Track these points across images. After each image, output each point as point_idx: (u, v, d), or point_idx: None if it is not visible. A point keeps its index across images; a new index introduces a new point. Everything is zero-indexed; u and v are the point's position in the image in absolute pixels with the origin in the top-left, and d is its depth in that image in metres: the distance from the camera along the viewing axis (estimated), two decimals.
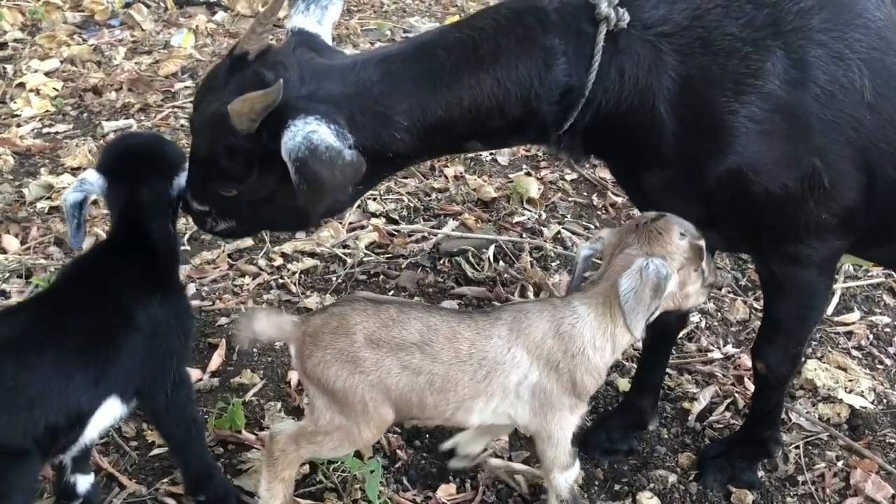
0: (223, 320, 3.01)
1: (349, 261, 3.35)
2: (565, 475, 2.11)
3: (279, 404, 2.64)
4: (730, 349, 3.05)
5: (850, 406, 2.78)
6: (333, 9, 2.10)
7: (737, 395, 2.83)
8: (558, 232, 3.65)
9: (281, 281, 3.24)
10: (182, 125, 4.44)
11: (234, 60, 1.95)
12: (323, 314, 2.03)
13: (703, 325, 3.16)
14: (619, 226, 2.28)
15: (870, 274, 3.50)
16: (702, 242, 2.01)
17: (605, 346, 2.00)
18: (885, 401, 2.85)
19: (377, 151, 1.93)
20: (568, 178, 4.09)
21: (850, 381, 2.88)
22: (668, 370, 2.72)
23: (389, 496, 2.31)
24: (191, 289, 3.15)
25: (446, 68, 1.96)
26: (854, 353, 3.08)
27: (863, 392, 2.85)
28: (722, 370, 2.94)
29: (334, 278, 3.26)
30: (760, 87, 1.88)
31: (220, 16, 5.97)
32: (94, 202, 3.66)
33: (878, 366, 3.03)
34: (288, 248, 3.41)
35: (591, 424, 2.61)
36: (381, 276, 3.28)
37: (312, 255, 3.40)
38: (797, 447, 2.62)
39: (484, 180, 3.99)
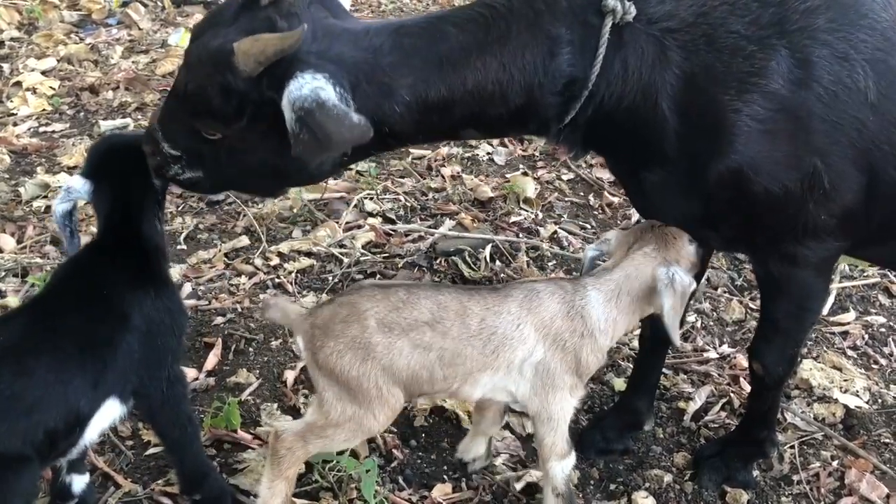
0: (219, 320, 3.01)
1: (346, 260, 3.35)
2: (562, 464, 2.13)
3: (275, 404, 2.64)
4: (725, 349, 3.05)
5: (846, 406, 2.79)
6: None
7: (732, 394, 2.83)
8: (555, 232, 3.66)
9: (277, 280, 3.24)
10: None
11: (245, 1, 1.89)
12: (331, 305, 2.05)
13: (698, 324, 3.16)
14: (626, 227, 2.34)
15: (865, 274, 3.51)
16: (700, 250, 2.15)
17: (608, 331, 2.09)
18: (880, 401, 2.86)
19: (375, 124, 1.88)
20: (564, 178, 4.10)
21: (845, 380, 2.89)
22: (663, 370, 2.72)
23: (385, 496, 2.31)
24: (187, 288, 3.15)
25: (454, 47, 1.93)
26: (849, 353, 3.09)
27: (858, 392, 2.85)
28: (717, 370, 2.95)
29: (331, 278, 3.27)
30: (764, 87, 1.87)
31: None
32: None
33: (874, 366, 3.04)
34: (284, 247, 3.41)
35: (587, 424, 2.61)
36: (378, 276, 3.28)
37: (309, 254, 3.40)
38: (792, 447, 2.62)
39: (480, 180, 4.00)
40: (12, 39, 5.40)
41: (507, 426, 2.63)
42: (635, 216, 3.80)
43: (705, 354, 3.02)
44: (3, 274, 3.15)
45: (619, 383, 2.81)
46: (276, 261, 3.35)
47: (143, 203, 2.06)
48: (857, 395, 2.84)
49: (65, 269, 2.11)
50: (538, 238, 3.61)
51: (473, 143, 4.23)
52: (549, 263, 3.45)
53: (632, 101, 1.95)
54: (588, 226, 3.76)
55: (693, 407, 2.75)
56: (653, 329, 2.38)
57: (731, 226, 2.09)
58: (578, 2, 1.93)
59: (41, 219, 3.55)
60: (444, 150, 4.18)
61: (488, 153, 4.26)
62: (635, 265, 2.09)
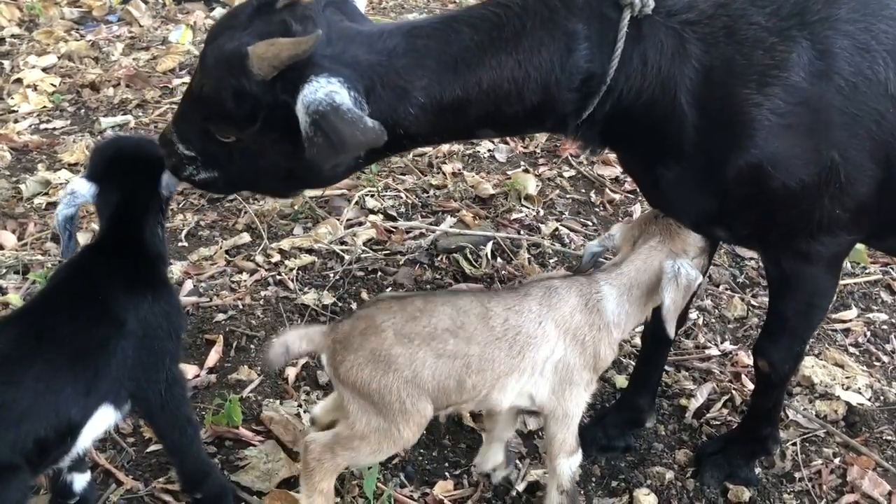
0: (220, 317, 3.01)
1: (347, 257, 3.35)
2: (570, 461, 2.13)
3: (276, 401, 2.64)
4: (727, 346, 3.05)
5: (847, 403, 2.78)
6: None
7: (734, 391, 2.83)
8: (556, 229, 3.65)
9: (278, 277, 3.24)
10: None
11: (260, 4, 1.88)
12: (350, 319, 2.04)
13: (700, 321, 3.16)
14: (631, 220, 2.37)
15: (867, 271, 3.50)
16: (706, 241, 2.16)
17: (621, 324, 2.12)
18: (882, 398, 2.85)
19: (389, 126, 1.86)
20: (566, 175, 4.09)
21: (847, 377, 2.89)
22: (665, 367, 2.72)
23: (390, 493, 2.30)
24: (188, 285, 3.15)
25: (469, 47, 1.91)
26: (851, 349, 3.08)
27: (860, 389, 2.85)
28: (719, 367, 2.94)
29: (332, 275, 3.26)
30: (785, 79, 1.84)
31: (218, 11, 5.95)
32: None
33: (876, 363, 3.03)
34: (286, 244, 3.41)
35: (589, 421, 2.61)
36: (379, 273, 3.28)
37: (310, 251, 3.40)
38: (794, 444, 2.62)
39: (482, 177, 3.99)
40: (13, 36, 5.40)
41: None
42: (637, 212, 3.80)
43: (707, 351, 3.02)
44: (4, 271, 3.15)
45: (621, 380, 2.81)
46: (277, 258, 3.34)
47: (146, 208, 2.05)
48: (860, 393, 2.84)
49: (62, 273, 2.08)
50: (539, 235, 3.60)
51: (476, 139, 4.22)
52: (551, 260, 3.44)
53: (650, 95, 1.92)
54: (589, 223, 3.76)
55: (695, 404, 2.75)
56: (655, 327, 2.37)
57: (745, 222, 2.06)
58: None
59: (42, 216, 3.55)
60: (445, 147, 4.18)
61: (489, 150, 4.25)
62: (643, 258, 2.11)
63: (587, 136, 2.06)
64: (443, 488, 2.38)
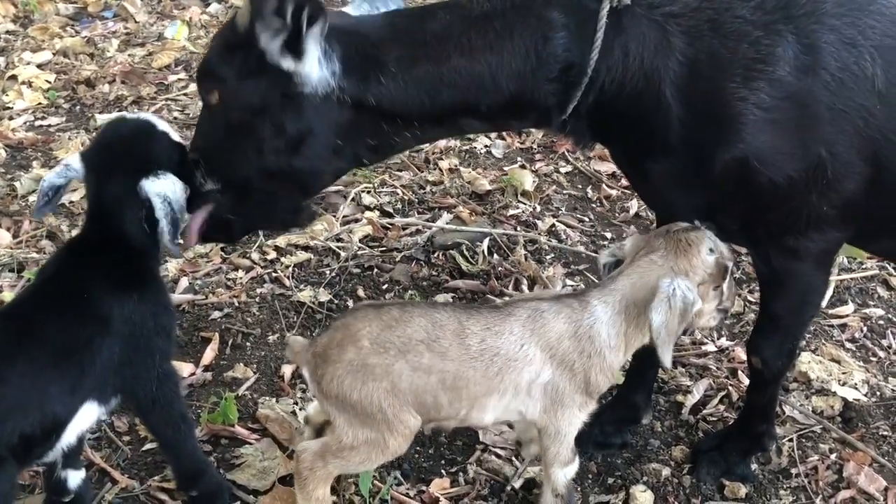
0: (216, 314, 3.00)
1: (343, 254, 3.34)
2: (565, 471, 2.11)
3: (272, 399, 2.63)
4: (724, 342, 3.04)
5: (844, 399, 2.78)
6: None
7: (731, 388, 2.82)
8: (553, 225, 3.65)
9: (274, 275, 3.23)
10: (175, 118, 4.42)
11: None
12: (328, 331, 2.01)
13: None
14: (645, 231, 2.27)
15: (864, 266, 3.50)
16: (729, 263, 1.99)
17: (619, 346, 2.00)
18: (878, 393, 2.85)
19: (360, 93, 1.90)
20: (563, 170, 4.08)
21: (843, 373, 2.89)
22: None
23: (387, 492, 2.30)
24: (183, 283, 3.14)
25: (441, 24, 1.93)
26: (848, 345, 3.08)
27: (856, 385, 2.85)
28: (716, 363, 2.94)
29: (328, 272, 3.26)
30: (770, 74, 1.84)
31: (214, 7, 5.93)
32: None
33: (872, 358, 3.03)
34: (281, 241, 3.40)
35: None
36: (375, 270, 3.27)
37: (306, 248, 3.39)
38: (790, 440, 2.62)
39: (478, 173, 3.98)
40: (7, 32, 5.38)
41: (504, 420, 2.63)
42: (633, 209, 3.80)
43: (703, 347, 3.01)
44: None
45: (618, 377, 2.80)
46: (273, 255, 3.34)
47: (127, 200, 1.96)
48: (856, 388, 2.83)
49: (47, 270, 2.06)
50: (536, 231, 3.60)
51: (471, 136, 4.21)
52: (548, 256, 3.44)
53: (634, 87, 1.91)
54: (586, 219, 3.75)
55: (691, 400, 2.75)
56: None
57: (732, 218, 2.06)
58: None
59: None
60: (441, 143, 4.17)
61: (486, 146, 4.24)
62: (639, 273, 1.97)
63: (576, 131, 2.05)
64: (439, 486, 2.38)
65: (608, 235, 3.64)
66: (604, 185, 3.95)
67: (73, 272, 1.99)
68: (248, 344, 2.89)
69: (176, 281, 3.14)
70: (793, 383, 2.87)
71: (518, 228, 3.62)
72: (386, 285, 3.19)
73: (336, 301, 3.09)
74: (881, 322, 3.21)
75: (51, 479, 2.15)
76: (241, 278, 3.20)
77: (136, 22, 5.66)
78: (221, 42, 1.97)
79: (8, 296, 2.96)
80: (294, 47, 1.85)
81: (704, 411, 2.73)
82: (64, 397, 1.85)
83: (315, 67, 1.88)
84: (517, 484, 2.39)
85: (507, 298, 2.97)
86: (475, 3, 1.94)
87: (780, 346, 2.22)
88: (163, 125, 2.07)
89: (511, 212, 3.72)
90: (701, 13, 1.89)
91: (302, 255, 3.33)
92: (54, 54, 5.07)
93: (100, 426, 2.48)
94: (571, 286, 3.24)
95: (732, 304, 2.06)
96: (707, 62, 1.87)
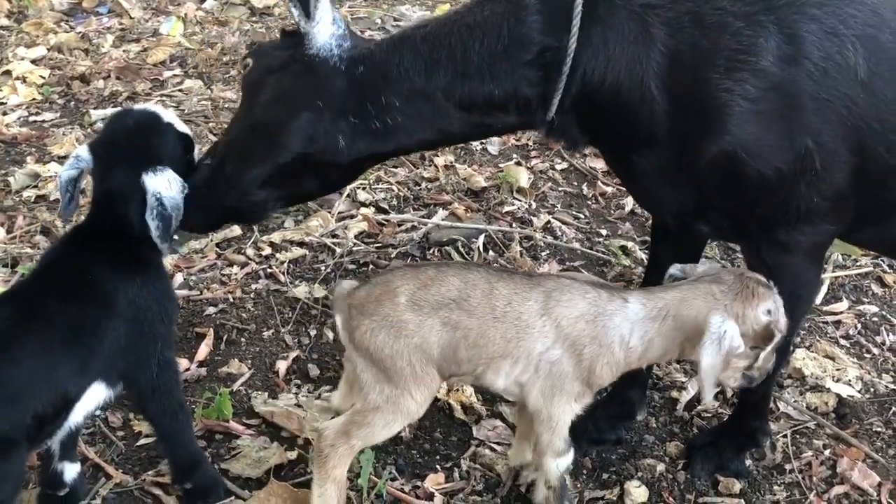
0: (211, 310, 3.00)
1: (338, 250, 3.34)
2: (558, 461, 2.11)
3: (266, 394, 2.63)
4: None
5: (838, 395, 2.79)
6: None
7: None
8: (548, 221, 3.65)
9: (269, 270, 3.22)
10: None
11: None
12: (367, 285, 2.06)
13: None
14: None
15: (858, 263, 3.51)
16: (779, 335, 1.93)
17: (636, 348, 1.98)
18: (872, 390, 2.86)
19: (353, 65, 1.98)
20: (558, 167, 4.08)
21: (837, 370, 2.89)
22: None
23: (382, 486, 2.29)
24: (178, 278, 3.13)
25: (426, 22, 2.06)
26: (842, 342, 3.09)
27: (850, 381, 2.86)
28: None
29: (323, 268, 3.25)
30: (754, 64, 1.84)
31: (209, 3, 5.92)
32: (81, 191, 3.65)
33: (866, 355, 3.04)
34: (276, 237, 3.39)
35: (580, 413, 2.60)
36: (371, 266, 3.27)
37: (301, 244, 3.39)
38: (785, 436, 2.62)
39: (474, 170, 3.98)
40: (1, 28, 5.36)
41: (498, 415, 2.63)
42: (629, 206, 3.81)
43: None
44: None
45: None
46: (267, 251, 3.33)
47: (129, 192, 1.98)
48: (850, 385, 2.84)
49: (52, 252, 2.10)
50: (531, 228, 3.60)
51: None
52: (543, 253, 3.44)
53: (616, 79, 1.92)
54: (581, 215, 3.75)
55: (686, 396, 2.75)
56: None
57: (722, 213, 2.05)
58: None
59: (31, 209, 3.52)
60: None
61: (481, 143, 4.24)
62: (695, 295, 1.93)
63: (564, 128, 2.05)
64: (434, 481, 2.38)
65: (603, 232, 3.64)
66: (599, 182, 3.95)
67: (77, 256, 2.02)
68: (242, 339, 2.89)
69: (171, 276, 3.13)
70: (787, 380, 2.87)
71: (513, 225, 3.62)
72: None
73: (331, 297, 3.08)
74: (875, 319, 3.22)
75: (47, 472, 2.15)
76: (235, 274, 3.20)
77: (130, 18, 5.64)
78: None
79: (1, 290, 2.94)
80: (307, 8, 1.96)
81: (699, 407, 2.73)
82: (74, 377, 1.88)
83: (324, 31, 1.97)
84: (511, 477, 2.39)
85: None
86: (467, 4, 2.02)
87: None
88: (168, 117, 2.09)
89: (506, 208, 3.72)
90: (681, 5, 1.89)
91: (297, 251, 3.33)
92: (48, 50, 5.05)
93: (94, 422, 2.47)
94: None
95: (761, 376, 1.99)
96: (689, 53, 1.87)
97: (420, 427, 2.56)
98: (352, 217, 3.57)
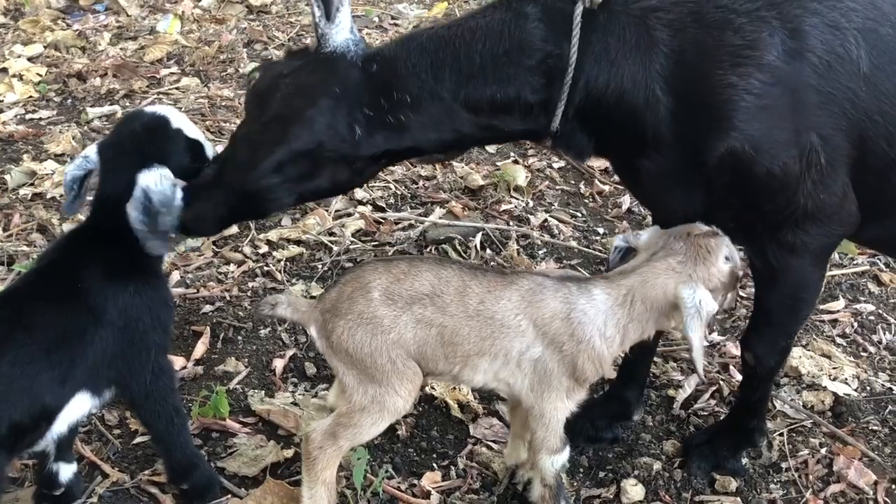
0: (207, 308, 3.00)
1: (335, 248, 3.34)
2: (553, 459, 2.11)
3: (263, 392, 2.63)
4: (715, 337, 3.05)
5: (834, 393, 2.79)
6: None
7: (722, 382, 2.83)
8: (545, 220, 3.65)
9: (266, 269, 3.22)
10: None
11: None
12: (336, 286, 2.05)
13: None
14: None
15: (855, 262, 3.51)
16: (740, 272, 1.99)
17: (614, 337, 2.00)
18: (868, 388, 2.86)
19: (367, 61, 2.00)
20: (555, 166, 4.08)
21: (834, 368, 2.89)
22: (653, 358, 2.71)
23: (378, 484, 2.29)
24: (175, 276, 3.13)
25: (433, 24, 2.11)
26: (839, 340, 3.09)
27: (847, 379, 2.86)
28: (707, 358, 2.94)
29: (320, 266, 3.25)
30: (758, 59, 1.84)
31: (207, 1, 5.91)
32: None
33: (863, 353, 3.04)
34: (273, 235, 3.39)
35: (576, 412, 2.60)
36: None
37: (298, 242, 3.38)
38: (781, 434, 2.62)
39: (471, 168, 3.98)
40: None
41: (495, 413, 2.63)
42: (626, 204, 3.81)
43: None
44: None
45: (608, 370, 2.80)
46: (264, 249, 3.33)
47: (127, 194, 1.94)
48: (846, 383, 2.84)
49: (48, 255, 2.07)
50: (529, 226, 3.60)
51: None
52: (540, 251, 3.44)
53: (619, 84, 1.92)
54: (579, 214, 3.75)
55: (682, 395, 2.75)
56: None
57: (730, 214, 2.04)
58: None
59: (28, 206, 3.52)
60: None
61: None
62: (655, 273, 1.96)
63: (569, 137, 2.04)
64: (431, 479, 2.38)
65: (600, 231, 3.64)
66: (596, 181, 3.95)
67: (70, 261, 1.99)
68: (239, 338, 2.88)
69: (167, 274, 3.12)
70: (784, 378, 2.87)
71: (511, 223, 3.62)
72: None
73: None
74: (872, 317, 3.22)
75: (42, 472, 2.14)
76: (232, 272, 3.19)
77: (128, 15, 5.64)
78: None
79: None
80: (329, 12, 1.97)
81: (695, 406, 2.74)
82: (54, 387, 1.84)
83: (341, 33, 1.98)
84: (507, 476, 2.39)
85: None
86: (457, 17, 2.08)
87: (773, 343, 2.22)
88: (178, 121, 2.05)
89: (504, 207, 3.72)
90: (681, 6, 1.90)
91: (294, 250, 3.32)
92: (45, 47, 5.04)
93: (90, 420, 2.47)
94: None
95: (729, 307, 2.07)
96: (693, 52, 1.88)
97: (417, 425, 2.56)
98: (349, 215, 3.57)
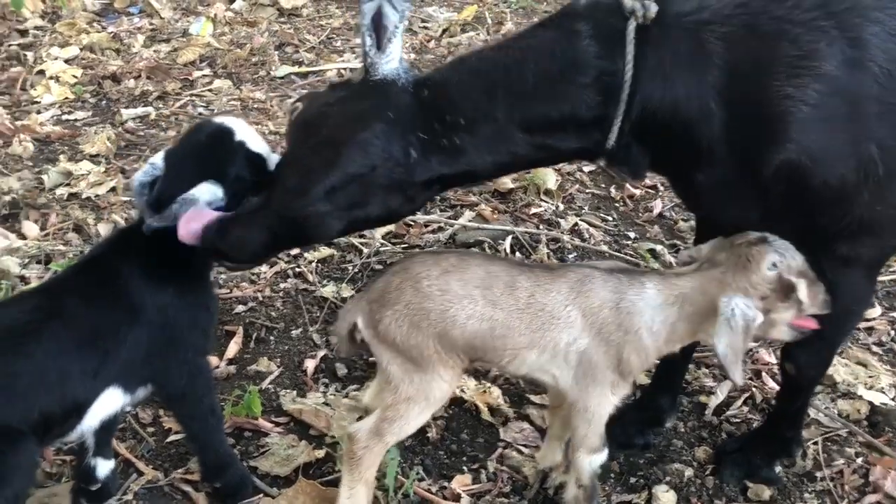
0: (240, 308, 3.02)
1: (365, 250, 3.35)
2: (591, 458, 2.10)
3: (295, 392, 2.65)
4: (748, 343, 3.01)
5: (870, 402, 2.75)
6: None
7: (754, 389, 2.80)
8: (575, 224, 3.64)
9: (298, 270, 3.24)
10: (200, 113, 4.45)
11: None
12: (383, 277, 2.05)
13: None
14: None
15: (891, 269, 3.46)
16: (795, 278, 1.93)
17: (661, 332, 2.00)
18: None
19: (416, 87, 2.00)
20: (585, 169, 4.07)
21: (870, 377, 2.85)
22: None
23: (410, 486, 2.30)
24: None
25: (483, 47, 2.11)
26: (875, 349, 3.05)
27: (883, 388, 2.81)
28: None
29: (350, 268, 3.27)
30: (816, 69, 1.81)
31: (239, 4, 5.97)
32: (113, 189, 3.69)
33: None
34: None
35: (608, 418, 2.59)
36: None
37: (329, 244, 3.40)
38: (816, 443, 2.59)
39: None
40: (36, 28, 5.45)
41: (525, 417, 2.62)
42: (657, 208, 3.78)
43: None
44: (27, 261, 3.17)
45: (641, 377, 2.79)
46: (296, 250, 3.35)
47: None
48: (883, 392, 2.80)
49: (94, 250, 2.11)
50: (559, 230, 3.59)
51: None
52: (570, 255, 3.43)
53: (674, 98, 1.90)
54: (609, 218, 3.74)
55: (715, 401, 2.73)
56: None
57: (785, 226, 1.99)
58: (599, 6, 1.95)
59: (64, 206, 3.57)
60: None
61: None
62: (702, 282, 1.98)
63: (625, 154, 2.02)
64: (461, 482, 2.38)
65: (631, 235, 3.62)
66: (627, 185, 3.93)
67: (114, 258, 2.02)
68: (271, 338, 2.91)
69: (208, 280, 3.15)
70: (819, 386, 2.84)
71: (540, 227, 3.61)
72: None
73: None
74: None
75: (80, 467, 2.17)
76: (265, 273, 3.22)
77: (161, 18, 5.71)
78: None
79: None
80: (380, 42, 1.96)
81: (728, 412, 2.71)
82: (86, 379, 1.87)
83: (392, 63, 1.97)
84: (538, 480, 2.38)
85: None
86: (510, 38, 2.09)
87: (817, 354, 2.19)
88: (243, 134, 2.04)
89: (534, 210, 3.71)
90: (735, 19, 1.87)
91: (325, 251, 3.34)
92: (81, 49, 5.13)
93: (125, 418, 2.50)
94: None
95: (822, 308, 1.98)
96: (747, 64, 1.85)
97: (447, 428, 2.56)
98: None
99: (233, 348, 2.82)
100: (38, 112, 4.43)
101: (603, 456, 2.11)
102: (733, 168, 1.93)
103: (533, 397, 2.69)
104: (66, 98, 4.60)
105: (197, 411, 2.09)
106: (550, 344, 2.00)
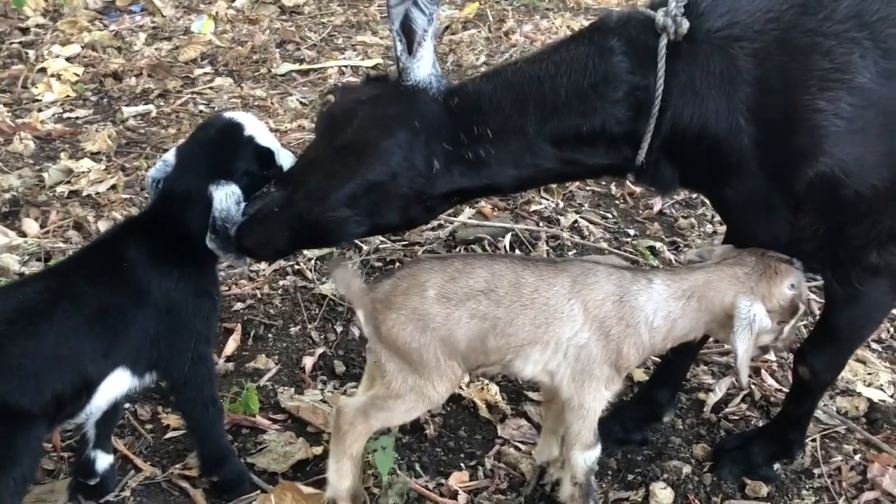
0: (239, 305, 3.03)
1: (365, 248, 3.35)
2: (585, 455, 2.11)
3: (293, 389, 2.65)
4: None
5: (869, 399, 2.75)
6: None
7: (753, 387, 2.80)
8: (575, 221, 3.63)
9: (297, 267, 3.25)
10: (201, 111, 4.46)
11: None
12: (391, 279, 2.06)
13: None
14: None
15: None
16: (802, 307, 1.99)
17: (660, 328, 2.01)
18: None
19: (448, 96, 2.02)
20: None
21: (869, 374, 2.85)
22: None
23: (404, 482, 2.30)
24: None
25: (516, 60, 2.12)
26: (874, 346, 3.04)
27: (882, 385, 2.81)
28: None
29: (350, 265, 3.26)
30: (849, 82, 1.79)
31: (240, 2, 5.98)
32: (113, 186, 3.70)
33: None
34: None
35: (606, 414, 2.59)
36: (397, 264, 3.28)
37: None
38: (814, 440, 2.59)
39: None
40: (38, 26, 5.46)
41: (523, 414, 2.62)
42: (657, 206, 3.78)
43: (726, 346, 2.98)
44: (27, 258, 3.18)
45: (639, 373, 2.79)
46: None
47: (194, 198, 2.01)
48: (881, 389, 2.80)
49: (103, 236, 2.15)
50: (558, 227, 3.58)
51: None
52: (570, 253, 3.42)
53: (703, 114, 1.90)
54: (609, 215, 3.73)
55: (713, 398, 2.73)
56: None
57: (815, 237, 1.98)
58: (633, 25, 1.96)
59: (64, 204, 3.58)
60: None
61: None
62: (720, 277, 1.98)
63: (654, 169, 2.02)
64: (458, 479, 2.38)
65: (631, 232, 3.62)
66: (627, 182, 3.92)
67: (121, 243, 2.05)
68: (269, 335, 2.91)
69: (213, 269, 3.16)
70: None
71: (540, 224, 3.61)
72: None
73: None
74: None
75: (79, 459, 2.19)
76: (263, 270, 3.22)
77: (162, 16, 5.72)
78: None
79: None
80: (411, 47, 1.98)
81: (726, 410, 2.71)
82: (97, 358, 1.91)
83: (423, 68, 1.99)
84: (535, 477, 2.38)
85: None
86: (546, 49, 2.09)
87: (833, 359, 2.19)
88: (252, 128, 2.08)
89: (533, 207, 3.71)
90: (766, 34, 1.86)
91: (324, 249, 3.34)
92: (83, 47, 5.14)
93: (123, 414, 2.51)
94: None
95: (784, 348, 2.07)
96: (778, 79, 1.84)
97: (444, 425, 2.56)
98: None
99: (231, 345, 2.83)
100: (39, 110, 4.44)
101: (597, 451, 2.12)
102: (764, 183, 1.93)
103: (530, 394, 2.69)
104: (68, 96, 4.60)
105: (198, 399, 2.11)
106: (553, 339, 2.00)
